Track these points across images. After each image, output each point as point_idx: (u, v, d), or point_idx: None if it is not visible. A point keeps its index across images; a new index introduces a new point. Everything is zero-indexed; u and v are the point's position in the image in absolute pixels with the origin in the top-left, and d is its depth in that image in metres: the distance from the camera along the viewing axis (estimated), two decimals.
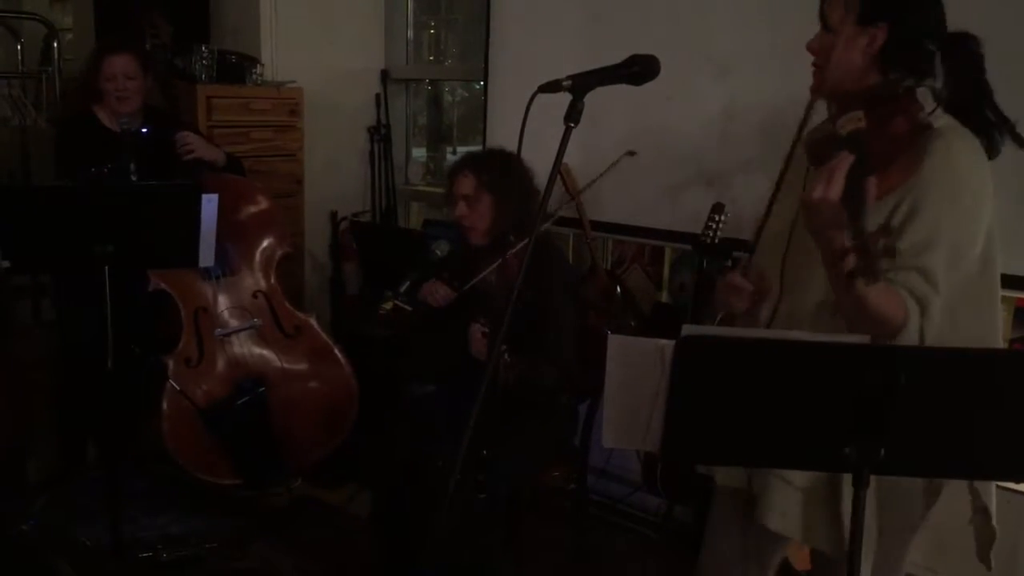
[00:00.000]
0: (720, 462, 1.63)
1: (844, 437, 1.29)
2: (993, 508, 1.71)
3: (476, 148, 4.05)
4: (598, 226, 3.26)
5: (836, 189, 1.37)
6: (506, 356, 2.31)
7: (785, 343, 1.28)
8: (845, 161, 1.39)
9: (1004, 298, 2.53)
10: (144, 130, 3.01)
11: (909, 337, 1.50)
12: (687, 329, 1.27)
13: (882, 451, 1.29)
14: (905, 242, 1.53)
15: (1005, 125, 1.63)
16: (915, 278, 1.53)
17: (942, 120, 1.60)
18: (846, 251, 1.30)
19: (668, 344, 1.29)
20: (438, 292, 2.58)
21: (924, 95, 1.61)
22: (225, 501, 3.20)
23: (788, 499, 1.70)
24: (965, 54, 1.64)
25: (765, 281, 1.74)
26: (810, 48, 1.71)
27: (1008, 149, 2.38)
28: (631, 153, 3.05)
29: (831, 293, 1.56)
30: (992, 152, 1.63)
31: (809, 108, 1.75)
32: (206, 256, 2.54)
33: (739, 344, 1.29)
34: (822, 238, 1.43)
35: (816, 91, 1.74)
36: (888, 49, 1.65)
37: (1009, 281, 2.47)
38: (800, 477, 1.69)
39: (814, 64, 1.72)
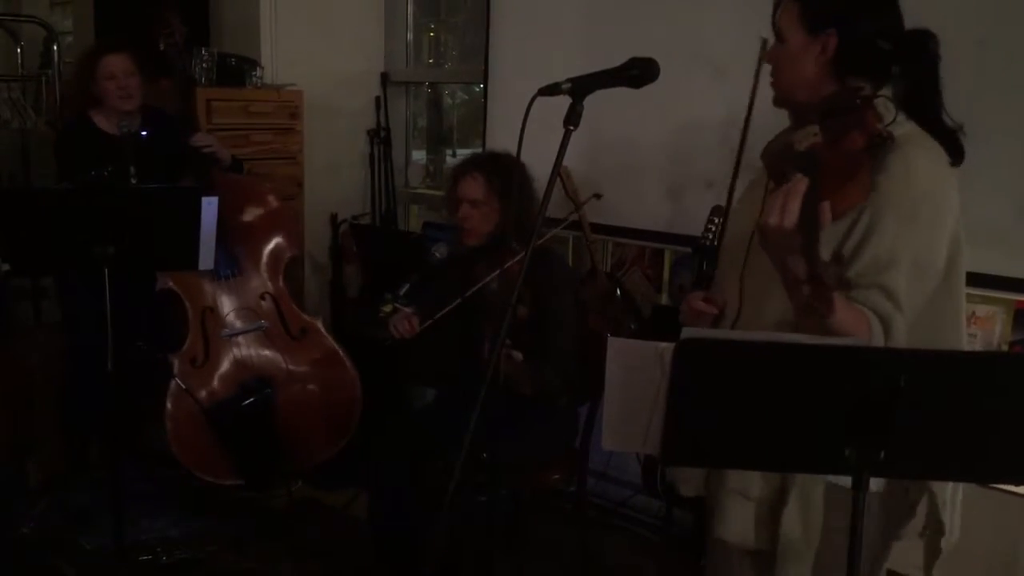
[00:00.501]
0: (720, 465, 1.62)
1: (844, 439, 1.29)
2: (950, 521, 1.67)
3: (476, 150, 4.05)
4: (598, 228, 3.26)
5: (791, 217, 1.36)
6: (517, 355, 2.31)
7: (785, 346, 1.28)
8: (800, 185, 1.38)
9: (1003, 300, 2.56)
10: (144, 132, 3.02)
11: None
12: (687, 332, 1.27)
13: (882, 453, 1.29)
14: (865, 259, 1.52)
15: (959, 130, 1.60)
16: (877, 296, 1.51)
17: (903, 128, 1.57)
18: (801, 280, 1.32)
19: (668, 347, 1.29)
20: (401, 326, 2.57)
21: (884, 104, 1.58)
22: (225, 503, 3.21)
23: (745, 512, 1.71)
24: (921, 54, 1.61)
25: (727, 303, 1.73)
26: (767, 59, 1.71)
27: (1006, 152, 2.39)
28: (597, 196, 3.06)
29: (789, 312, 1.53)
30: (957, 157, 1.59)
31: (747, 121, 1.74)
32: (206, 259, 2.53)
33: (739, 347, 1.29)
34: (778, 263, 1.43)
35: (775, 103, 1.72)
36: (841, 55, 1.63)
37: (1008, 284, 2.48)
38: (756, 488, 1.68)
39: (772, 75, 1.70)
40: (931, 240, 1.55)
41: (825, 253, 1.30)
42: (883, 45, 1.61)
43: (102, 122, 3.10)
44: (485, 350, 2.55)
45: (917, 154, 1.55)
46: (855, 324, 1.47)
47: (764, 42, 1.75)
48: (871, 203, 1.52)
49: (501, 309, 1.58)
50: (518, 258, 2.45)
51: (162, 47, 3.10)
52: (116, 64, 3.03)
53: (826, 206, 1.36)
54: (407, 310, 2.61)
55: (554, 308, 2.56)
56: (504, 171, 2.59)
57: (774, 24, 1.68)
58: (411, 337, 2.56)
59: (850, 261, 1.54)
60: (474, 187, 2.59)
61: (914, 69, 1.62)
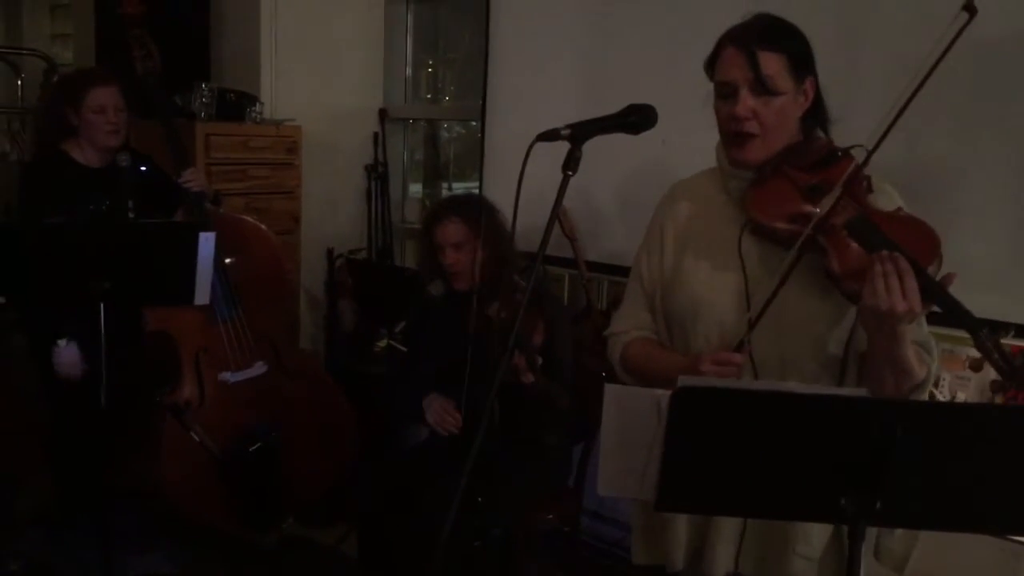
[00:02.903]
0: (715, 512, 1.62)
1: (840, 489, 1.29)
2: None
3: (473, 184, 4.07)
4: (594, 266, 3.27)
5: (915, 297, 1.43)
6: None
7: (782, 395, 1.28)
8: (903, 263, 1.43)
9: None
10: (143, 168, 3.00)
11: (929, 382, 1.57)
12: (683, 380, 1.27)
13: (878, 503, 1.29)
14: None
15: None
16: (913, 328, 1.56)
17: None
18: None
19: (664, 394, 1.29)
20: (447, 424, 2.56)
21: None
22: (214, 540, 3.17)
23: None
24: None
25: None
26: (745, 115, 1.64)
27: (1001, 194, 2.41)
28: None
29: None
30: None
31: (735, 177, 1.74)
32: (202, 294, 2.53)
33: (736, 395, 1.29)
34: (888, 337, 1.49)
35: (754, 162, 1.68)
36: (815, 103, 1.67)
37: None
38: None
39: (748, 133, 1.66)
40: None
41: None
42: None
43: (78, 154, 2.99)
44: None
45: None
46: (920, 364, 1.55)
47: None
48: None
49: (510, 343, 1.58)
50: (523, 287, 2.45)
51: (139, 71, 2.99)
52: (106, 97, 2.92)
53: (950, 275, 1.46)
54: (437, 403, 2.59)
55: (557, 332, 2.56)
56: (478, 211, 2.60)
57: (757, 78, 1.61)
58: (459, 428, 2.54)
59: None
60: (454, 230, 2.59)
61: None
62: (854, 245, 1.53)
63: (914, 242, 1.49)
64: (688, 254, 1.78)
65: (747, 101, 1.63)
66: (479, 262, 2.58)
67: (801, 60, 1.64)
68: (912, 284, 1.43)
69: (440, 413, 2.57)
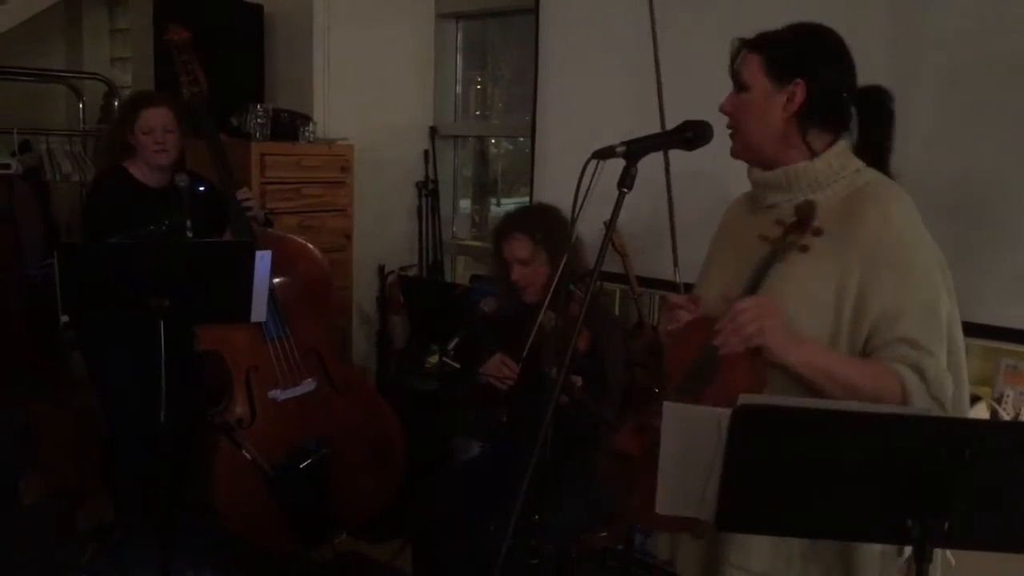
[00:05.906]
0: (776, 533, 1.59)
1: (906, 510, 1.27)
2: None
3: (521, 199, 4.08)
4: (645, 282, 3.26)
5: None
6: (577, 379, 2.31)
7: (846, 414, 1.26)
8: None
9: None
10: (201, 188, 3.05)
11: (923, 404, 1.49)
12: (744, 398, 1.26)
13: (946, 524, 1.26)
14: (872, 317, 1.54)
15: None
16: (900, 348, 1.53)
17: (866, 176, 1.63)
18: None
19: (725, 412, 1.28)
20: (502, 372, 2.53)
21: (846, 153, 1.65)
22: (269, 555, 3.20)
23: None
24: (879, 107, 1.67)
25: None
26: (723, 110, 1.69)
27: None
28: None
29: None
30: None
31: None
32: (258, 311, 2.56)
33: (798, 414, 1.27)
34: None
35: (737, 156, 1.70)
36: (808, 106, 1.63)
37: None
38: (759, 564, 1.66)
39: (729, 127, 1.69)
40: (927, 280, 1.57)
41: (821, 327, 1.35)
42: (846, 97, 1.65)
43: (136, 172, 3.08)
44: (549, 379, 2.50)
45: (890, 200, 1.59)
46: (883, 382, 1.50)
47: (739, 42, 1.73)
48: (857, 259, 1.55)
49: (563, 344, 1.59)
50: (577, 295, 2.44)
51: (185, 96, 3.05)
52: (155, 118, 3.00)
53: None
54: (495, 357, 2.56)
55: (607, 347, 2.56)
56: (542, 223, 2.62)
57: (733, 72, 1.67)
58: (513, 383, 2.51)
59: (856, 323, 1.56)
60: (520, 247, 2.62)
61: (876, 123, 1.67)
62: None
63: None
64: (714, 258, 1.89)
65: (730, 97, 1.68)
66: (546, 274, 2.58)
67: (783, 62, 1.63)
68: None
69: (497, 365, 2.54)
